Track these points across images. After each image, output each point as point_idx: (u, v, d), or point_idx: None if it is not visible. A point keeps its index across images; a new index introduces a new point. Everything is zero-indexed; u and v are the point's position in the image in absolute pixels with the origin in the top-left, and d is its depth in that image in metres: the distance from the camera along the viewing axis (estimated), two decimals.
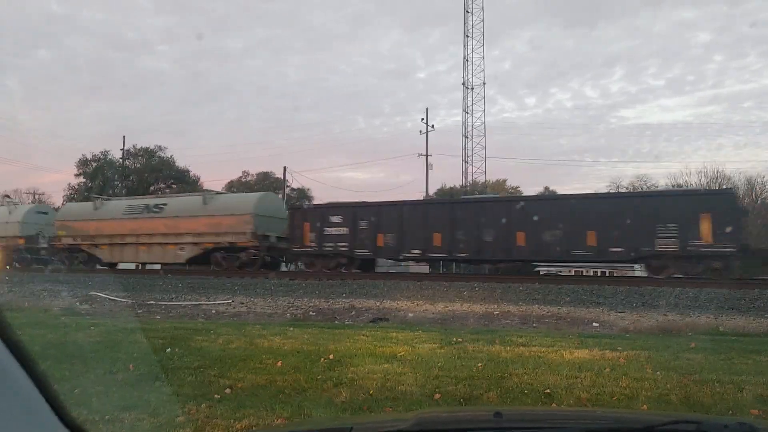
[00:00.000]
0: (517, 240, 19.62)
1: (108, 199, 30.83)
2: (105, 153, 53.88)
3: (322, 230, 22.67)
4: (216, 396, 5.32)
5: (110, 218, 27.44)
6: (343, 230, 22.35)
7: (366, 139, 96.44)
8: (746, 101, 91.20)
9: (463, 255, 21.18)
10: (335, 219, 22.63)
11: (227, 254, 24.25)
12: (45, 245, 30.63)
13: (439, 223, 21.04)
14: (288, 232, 23.80)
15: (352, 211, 22.65)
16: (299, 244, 23.11)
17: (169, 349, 7.41)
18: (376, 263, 24.45)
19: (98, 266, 28.05)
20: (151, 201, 28.02)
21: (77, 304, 14.83)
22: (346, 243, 22.21)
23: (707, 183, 44.75)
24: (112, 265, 28.03)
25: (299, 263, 24.72)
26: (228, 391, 5.51)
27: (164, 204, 26.86)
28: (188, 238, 25.01)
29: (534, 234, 19.39)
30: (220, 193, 26.17)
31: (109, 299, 15.49)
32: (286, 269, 26.27)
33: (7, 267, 29.63)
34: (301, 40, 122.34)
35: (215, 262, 24.54)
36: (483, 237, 20.20)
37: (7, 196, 33.40)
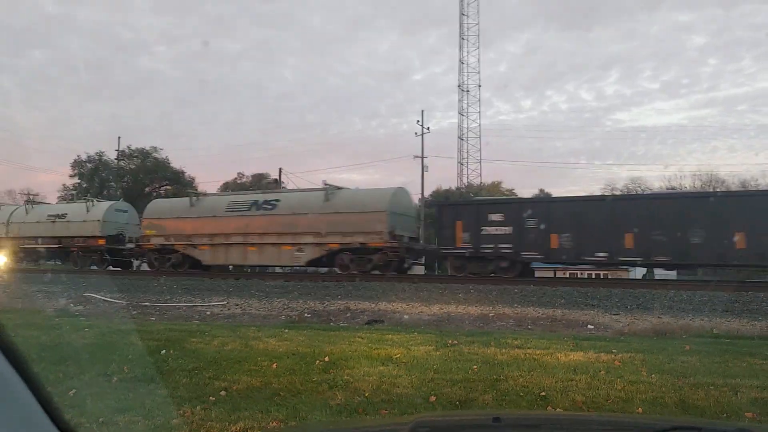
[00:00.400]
0: (736, 243, 16.92)
1: (205, 195, 27.62)
2: (100, 154, 53.83)
3: (479, 229, 20.38)
4: (211, 398, 5.30)
5: (211, 216, 24.66)
6: (506, 230, 20.04)
7: (362, 141, 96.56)
8: (741, 104, 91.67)
9: (663, 259, 18.49)
10: (495, 217, 20.31)
11: (356, 256, 21.63)
12: (131, 245, 27.88)
13: (630, 221, 18.30)
14: (437, 232, 21.53)
15: (517, 207, 20.55)
16: (449, 244, 20.88)
17: (164, 351, 7.39)
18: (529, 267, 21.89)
19: (180, 268, 25.16)
20: (259, 197, 25.03)
21: (71, 305, 14.77)
22: (509, 244, 19.90)
23: (701, 186, 44.95)
24: (205, 268, 25.03)
25: (437, 266, 22.44)
26: (223, 393, 5.49)
27: (276, 200, 24.02)
28: (308, 238, 22.38)
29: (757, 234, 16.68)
30: (339, 188, 23.55)
31: (104, 300, 15.43)
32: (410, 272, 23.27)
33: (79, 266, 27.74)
34: (299, 42, 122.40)
35: (341, 264, 22.11)
36: (689, 238, 17.51)
37: (87, 195, 30.40)
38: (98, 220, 28.45)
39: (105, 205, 29.98)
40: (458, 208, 21.93)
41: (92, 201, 30.10)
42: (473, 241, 20.42)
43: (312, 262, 22.96)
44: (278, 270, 26.96)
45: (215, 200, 26.09)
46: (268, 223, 23.30)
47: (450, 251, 20.94)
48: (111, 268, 27.89)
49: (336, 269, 22.47)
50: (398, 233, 21.55)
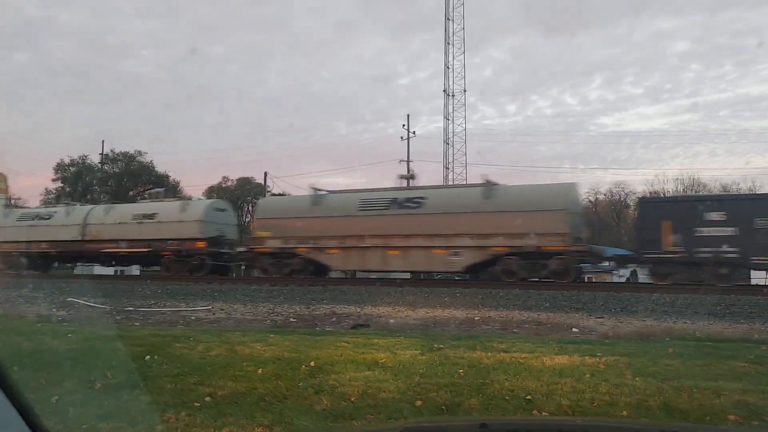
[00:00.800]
0: None
1: (329, 192, 24.32)
2: (83, 158, 53.42)
3: (693, 230, 18.22)
4: (196, 404, 5.26)
5: (340, 215, 21.89)
6: (729, 231, 17.87)
7: (348, 145, 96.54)
8: (722, 110, 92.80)
9: None
10: (714, 216, 18.07)
11: (527, 261, 19.20)
12: (239, 249, 25.26)
13: None
14: (636, 233, 19.46)
15: (744, 205, 18.42)
16: (653, 247, 18.64)
17: (148, 357, 7.32)
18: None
19: (296, 274, 22.29)
20: (399, 194, 22.24)
21: (54, 310, 14.60)
22: (733, 248, 17.76)
23: (683, 190, 45.43)
24: (323, 272, 22.90)
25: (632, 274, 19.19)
26: (208, 399, 5.46)
27: (421, 198, 21.24)
28: (466, 240, 19.75)
29: None
30: (495, 183, 21.09)
31: (87, 305, 15.28)
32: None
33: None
34: (285, 46, 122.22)
35: (506, 269, 19.37)
36: None
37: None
38: (197, 221, 25.03)
39: (203, 203, 26.99)
40: (665, 206, 19.77)
41: (187, 199, 27.34)
42: (685, 243, 18.25)
43: (471, 268, 20.46)
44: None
45: (343, 198, 23.25)
46: (413, 223, 20.53)
47: (653, 255, 18.69)
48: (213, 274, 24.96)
49: (501, 276, 19.42)
50: (577, 235, 19.39)
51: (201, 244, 24.61)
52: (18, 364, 6.57)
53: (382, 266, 21.71)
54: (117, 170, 54.13)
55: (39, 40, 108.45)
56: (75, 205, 31.07)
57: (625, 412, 4.98)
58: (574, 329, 11.48)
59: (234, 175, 58.54)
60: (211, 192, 50.73)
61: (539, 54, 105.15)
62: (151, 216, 26.19)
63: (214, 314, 14.06)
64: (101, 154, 53.14)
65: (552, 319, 12.35)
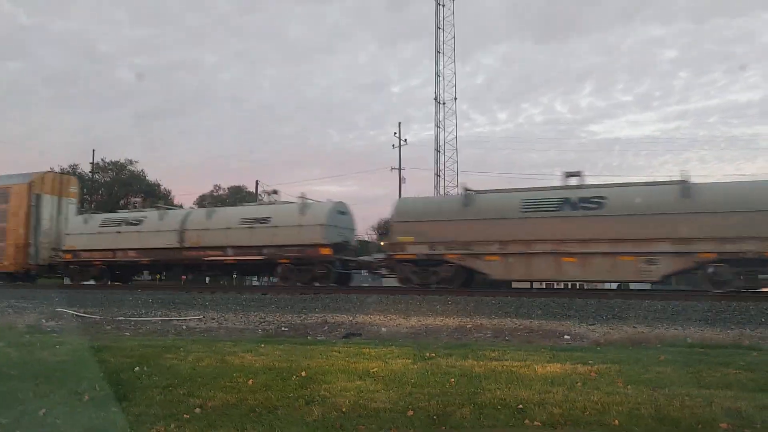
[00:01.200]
0: None
1: (482, 192, 21.26)
2: (74, 166, 53.18)
3: None
4: (185, 416, 5.22)
5: (499, 217, 19.55)
6: None
7: (340, 152, 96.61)
8: (711, 116, 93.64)
9: None
10: None
11: (745, 270, 16.57)
12: (378, 256, 22.82)
13: None
14: None
15: None
16: None
17: (137, 368, 7.26)
18: None
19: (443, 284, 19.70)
20: (571, 193, 19.31)
21: (43, 321, 14.49)
22: None
23: None
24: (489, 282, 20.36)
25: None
26: (198, 410, 5.41)
27: (601, 197, 18.68)
28: (662, 245, 17.28)
29: None
30: (688, 181, 18.29)
31: (77, 316, 15.16)
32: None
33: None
34: (278, 54, 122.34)
35: (713, 280, 16.83)
36: None
37: (303, 195, 24.01)
38: (320, 225, 22.38)
39: (326, 205, 24.02)
40: None
41: (307, 201, 23.88)
42: None
43: (668, 277, 18.15)
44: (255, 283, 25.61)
45: (501, 198, 20.67)
46: (593, 226, 18.25)
47: None
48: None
49: (709, 288, 16.86)
50: None
51: (326, 251, 22.06)
52: (5, 376, 6.50)
53: (555, 275, 19.38)
54: (108, 179, 53.95)
55: (31, 48, 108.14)
56: (169, 208, 28.84)
57: (616, 421, 4.97)
58: (565, 336, 11.48)
59: (226, 183, 58.57)
60: (203, 201, 50.56)
61: (530, 62, 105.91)
62: (264, 220, 23.49)
63: (205, 324, 13.98)
64: (92, 163, 52.99)
65: (544, 327, 12.34)
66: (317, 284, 21.60)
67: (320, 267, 21.97)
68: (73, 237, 26.81)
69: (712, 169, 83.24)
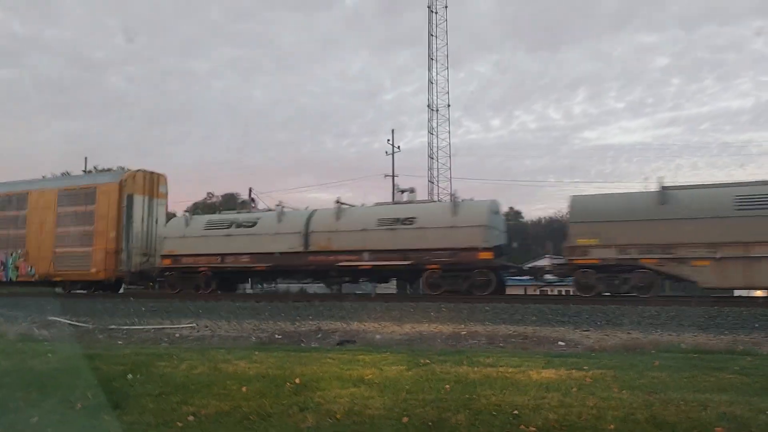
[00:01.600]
0: None
1: (680, 187, 18.70)
2: (66, 174, 52.95)
3: None
4: (178, 424, 5.18)
5: (706, 216, 16.91)
6: None
7: (334, 160, 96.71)
8: (703, 123, 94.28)
9: None
10: None
11: None
12: (557, 262, 20.30)
13: None
14: None
15: None
16: None
17: (130, 376, 7.21)
18: None
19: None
20: None
21: (35, 329, 14.38)
22: None
23: None
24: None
25: None
26: (191, 418, 5.37)
27: None
28: None
29: None
30: None
31: (69, 324, 15.06)
32: None
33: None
34: (271, 61, 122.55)
35: None
36: None
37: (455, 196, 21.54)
38: (480, 226, 19.68)
39: (484, 203, 21.06)
40: None
41: (457, 199, 21.31)
42: None
43: None
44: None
45: (706, 194, 17.89)
46: None
47: None
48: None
49: None
50: None
51: (486, 255, 19.39)
52: None
53: None
54: None
55: (24, 57, 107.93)
56: (288, 209, 24.92)
57: (612, 426, 4.96)
58: (560, 342, 11.48)
59: (219, 190, 58.48)
60: (196, 208, 50.45)
61: (523, 69, 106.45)
62: (407, 221, 20.73)
63: (198, 332, 13.91)
64: (84, 171, 52.80)
65: (538, 333, 12.33)
66: (476, 293, 19.04)
67: (480, 274, 19.46)
68: (172, 241, 24.10)
69: (704, 175, 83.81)
